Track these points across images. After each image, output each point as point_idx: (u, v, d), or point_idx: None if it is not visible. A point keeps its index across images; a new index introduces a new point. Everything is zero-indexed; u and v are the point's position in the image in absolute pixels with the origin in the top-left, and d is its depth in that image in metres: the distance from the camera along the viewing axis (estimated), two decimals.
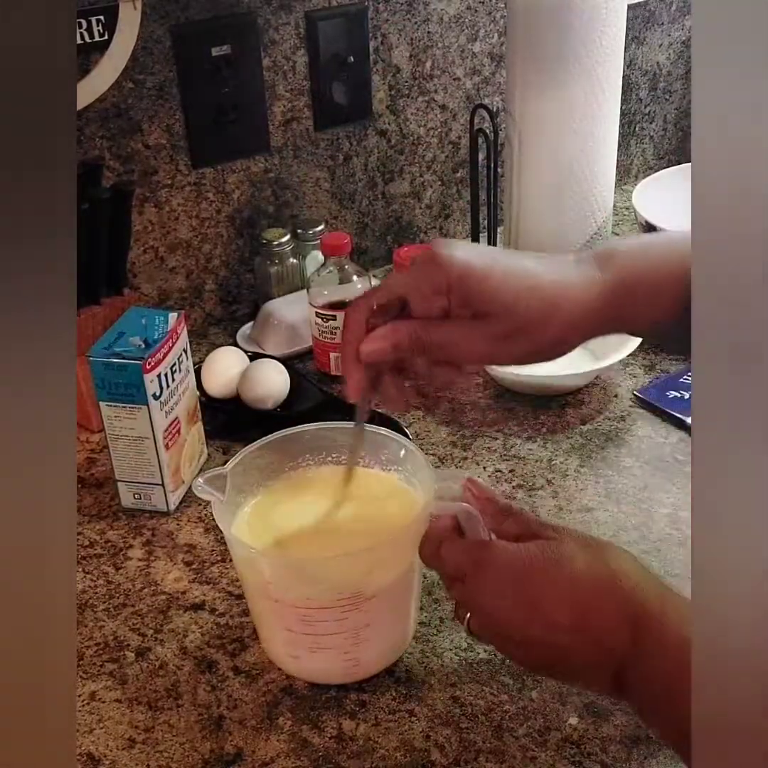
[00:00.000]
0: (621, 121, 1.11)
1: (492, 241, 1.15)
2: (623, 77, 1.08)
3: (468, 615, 0.59)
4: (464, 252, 0.58)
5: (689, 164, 1.20)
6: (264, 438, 0.68)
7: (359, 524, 0.65)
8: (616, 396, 0.96)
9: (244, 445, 0.68)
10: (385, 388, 0.62)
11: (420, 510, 0.62)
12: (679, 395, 0.94)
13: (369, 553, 0.61)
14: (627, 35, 1.05)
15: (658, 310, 0.62)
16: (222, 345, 1.01)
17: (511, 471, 0.87)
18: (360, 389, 0.61)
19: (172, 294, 1.10)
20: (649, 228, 1.09)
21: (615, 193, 1.13)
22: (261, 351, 1.02)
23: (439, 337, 0.58)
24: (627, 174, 1.46)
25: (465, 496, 0.61)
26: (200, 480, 0.63)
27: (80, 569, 0.78)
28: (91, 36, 0.94)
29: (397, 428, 0.83)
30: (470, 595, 0.57)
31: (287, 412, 0.92)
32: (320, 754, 0.62)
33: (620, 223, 1.32)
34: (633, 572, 0.54)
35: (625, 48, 1.06)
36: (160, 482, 0.81)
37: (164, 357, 0.79)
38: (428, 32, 1.16)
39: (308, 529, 0.65)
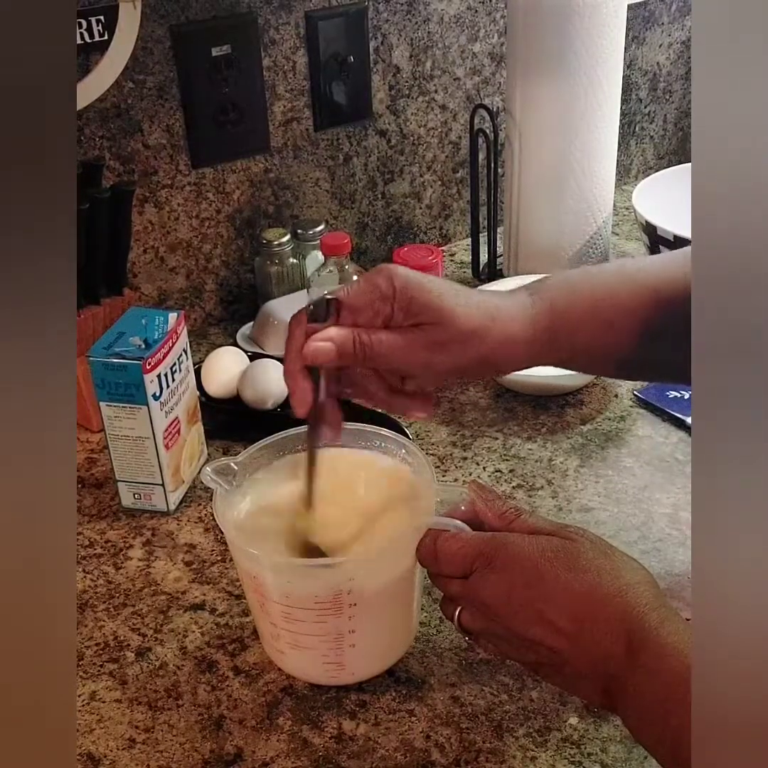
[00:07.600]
0: (621, 121, 1.11)
1: (492, 241, 1.15)
2: (623, 77, 1.09)
3: (458, 609, 0.59)
4: (406, 269, 0.62)
5: (689, 164, 1.20)
6: (271, 436, 0.68)
7: (357, 523, 0.64)
8: (616, 396, 0.96)
9: (244, 445, 0.68)
10: (324, 412, 0.63)
11: (413, 523, 0.61)
12: (679, 395, 0.94)
13: (350, 561, 0.60)
14: (627, 35, 1.05)
15: (592, 338, 0.65)
16: (222, 345, 1.01)
17: (511, 471, 0.87)
18: (308, 402, 0.62)
19: (172, 294, 1.10)
20: (649, 228, 1.09)
21: (615, 193, 1.13)
22: (261, 351, 1.02)
23: (380, 340, 0.61)
24: (627, 174, 1.46)
25: (470, 499, 0.61)
26: (209, 468, 0.64)
27: (80, 569, 0.78)
28: (91, 36, 0.94)
29: (397, 428, 0.83)
30: (472, 589, 0.57)
31: (287, 412, 0.92)
32: (320, 754, 0.62)
33: (620, 223, 1.33)
34: (641, 588, 0.53)
35: (625, 48, 1.06)
36: (160, 482, 0.81)
37: (164, 357, 0.79)
38: (428, 32, 1.16)
39: (301, 524, 0.64)
